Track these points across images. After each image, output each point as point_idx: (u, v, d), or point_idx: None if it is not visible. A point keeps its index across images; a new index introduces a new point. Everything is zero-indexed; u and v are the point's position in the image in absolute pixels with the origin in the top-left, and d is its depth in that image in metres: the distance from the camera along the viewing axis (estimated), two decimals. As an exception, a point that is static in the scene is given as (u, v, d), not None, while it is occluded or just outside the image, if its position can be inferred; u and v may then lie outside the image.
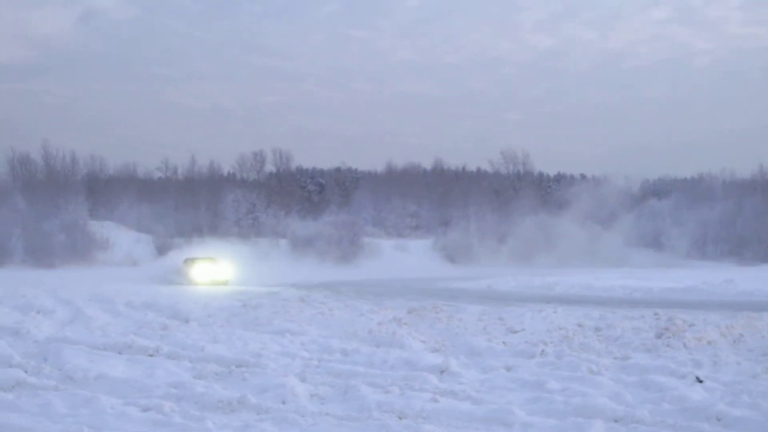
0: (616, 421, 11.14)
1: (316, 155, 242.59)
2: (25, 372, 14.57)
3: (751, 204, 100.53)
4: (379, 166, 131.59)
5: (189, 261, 55.38)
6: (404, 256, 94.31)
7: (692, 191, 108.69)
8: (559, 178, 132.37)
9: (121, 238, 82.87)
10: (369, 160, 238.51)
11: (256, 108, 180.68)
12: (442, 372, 14.97)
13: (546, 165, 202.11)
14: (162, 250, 78.98)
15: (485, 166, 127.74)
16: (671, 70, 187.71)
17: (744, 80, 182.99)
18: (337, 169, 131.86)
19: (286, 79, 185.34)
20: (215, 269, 52.83)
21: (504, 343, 18.98)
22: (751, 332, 20.05)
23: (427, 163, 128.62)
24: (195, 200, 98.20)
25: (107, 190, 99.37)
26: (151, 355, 16.82)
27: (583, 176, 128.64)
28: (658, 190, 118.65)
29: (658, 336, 19.37)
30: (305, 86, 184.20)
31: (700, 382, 13.85)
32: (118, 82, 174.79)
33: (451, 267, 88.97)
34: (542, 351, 17.41)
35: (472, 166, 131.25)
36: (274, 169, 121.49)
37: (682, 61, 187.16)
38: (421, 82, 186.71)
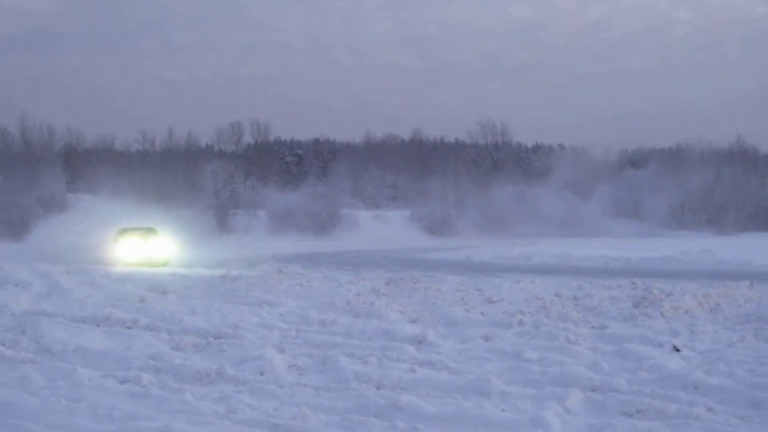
0: (593, 390, 11.17)
1: (294, 127, 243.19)
2: (3, 345, 14.53)
3: (728, 173, 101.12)
4: (357, 138, 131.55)
5: (120, 233, 40.28)
6: (383, 227, 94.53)
7: (670, 161, 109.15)
8: (538, 149, 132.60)
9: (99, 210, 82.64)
10: (347, 131, 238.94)
11: (235, 80, 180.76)
12: (419, 342, 14.99)
13: (525, 135, 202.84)
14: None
15: (464, 137, 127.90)
16: (650, 40, 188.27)
17: (723, 50, 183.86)
18: (316, 141, 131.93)
19: (266, 50, 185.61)
20: (151, 245, 38.96)
21: (482, 313, 19.00)
22: (728, 301, 20.15)
23: (406, 134, 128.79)
24: (173, 172, 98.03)
25: (85, 162, 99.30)
26: (128, 328, 16.77)
27: (561, 146, 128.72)
28: (636, 159, 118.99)
29: (636, 305, 19.43)
30: (285, 58, 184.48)
31: (678, 350, 13.90)
32: (96, 54, 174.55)
33: (429, 238, 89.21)
34: (520, 321, 17.43)
35: (450, 137, 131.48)
36: (252, 141, 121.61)
37: (661, 31, 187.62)
38: (401, 54, 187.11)
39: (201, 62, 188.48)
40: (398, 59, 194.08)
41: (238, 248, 55.59)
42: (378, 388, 11.56)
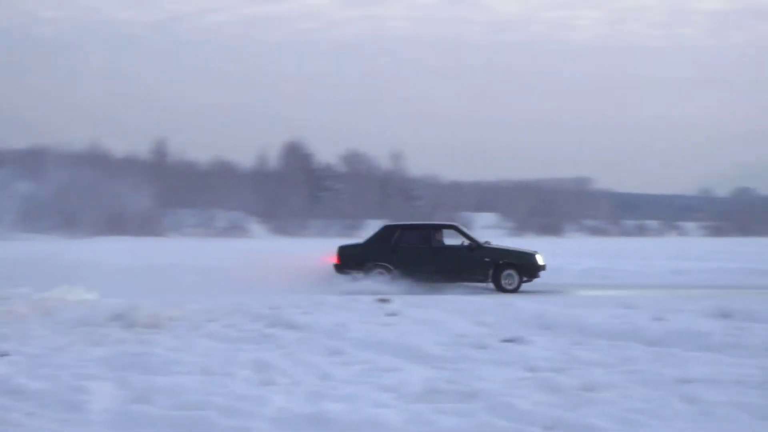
0: None
1: None
2: None
3: (83, 177, 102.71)
4: None
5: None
6: None
7: (25, 162, 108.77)
8: None
9: None
10: None
11: None
12: None
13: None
14: None
15: None
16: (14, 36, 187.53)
17: (86, 51, 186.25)
18: None
19: None
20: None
21: None
22: (64, 306, 20.43)
23: None
24: None
25: None
26: None
27: None
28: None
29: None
30: None
31: (5, 356, 13.83)
32: None
33: None
34: None
35: None
36: None
37: (24, 28, 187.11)
38: None
39: None
40: None
41: None
42: None
